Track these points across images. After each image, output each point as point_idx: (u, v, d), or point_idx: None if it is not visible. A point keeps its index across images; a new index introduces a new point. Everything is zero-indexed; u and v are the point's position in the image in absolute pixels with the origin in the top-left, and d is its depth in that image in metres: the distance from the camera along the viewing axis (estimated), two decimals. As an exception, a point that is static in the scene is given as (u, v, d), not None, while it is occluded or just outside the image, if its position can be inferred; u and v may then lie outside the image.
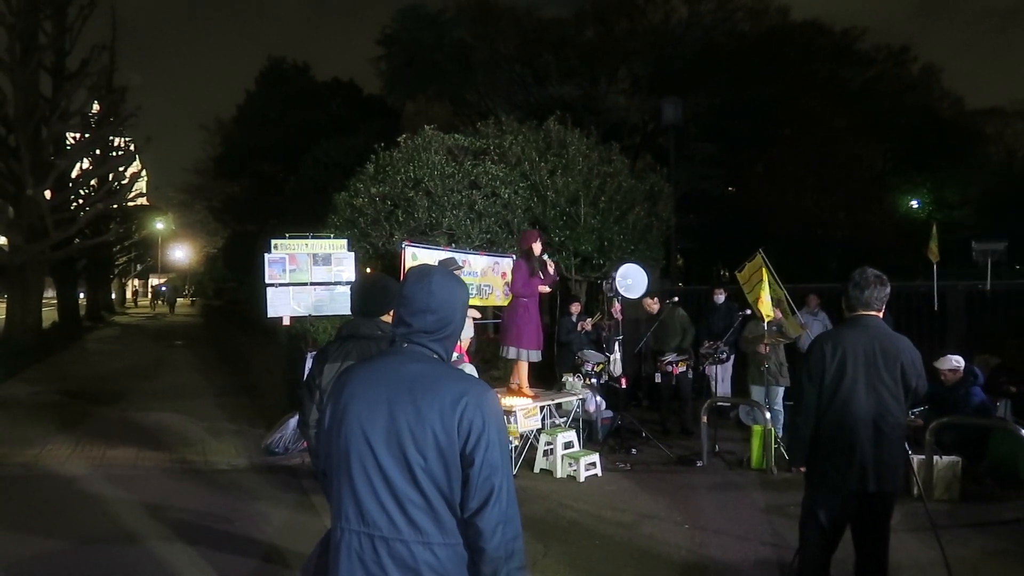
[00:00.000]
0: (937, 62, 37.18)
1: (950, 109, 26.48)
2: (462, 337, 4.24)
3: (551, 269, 7.19)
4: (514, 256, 8.20)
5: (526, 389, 7.20)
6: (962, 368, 7.04)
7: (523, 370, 7.24)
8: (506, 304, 7.79)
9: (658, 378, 9.06)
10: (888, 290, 3.64)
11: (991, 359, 8.62)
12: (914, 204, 25.01)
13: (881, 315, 3.68)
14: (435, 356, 2.03)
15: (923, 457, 6.09)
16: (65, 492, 6.29)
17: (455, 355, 4.15)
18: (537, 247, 7.08)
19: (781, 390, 8.17)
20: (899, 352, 3.55)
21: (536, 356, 7.15)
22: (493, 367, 9.61)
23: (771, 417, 7.51)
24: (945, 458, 6.22)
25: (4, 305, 18.61)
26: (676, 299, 9.51)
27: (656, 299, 9.50)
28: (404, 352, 2.02)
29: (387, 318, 3.34)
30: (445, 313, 2.03)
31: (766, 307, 7.84)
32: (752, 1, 25.39)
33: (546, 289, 7.22)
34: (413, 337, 2.02)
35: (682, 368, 8.91)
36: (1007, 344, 8.91)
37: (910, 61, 26.22)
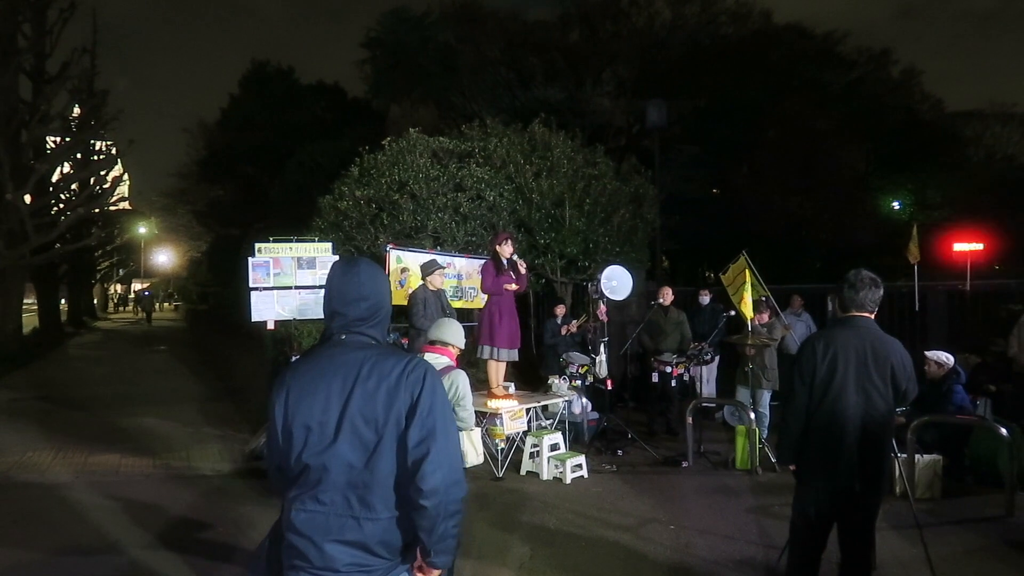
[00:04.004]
0: (917, 65, 37.62)
1: (930, 111, 26.75)
2: (455, 344, 4.22)
3: (522, 269, 7.16)
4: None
5: (496, 389, 7.12)
6: (948, 366, 7.11)
7: (496, 370, 7.15)
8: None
9: (655, 377, 9.02)
10: (881, 292, 3.68)
11: (971, 358, 8.73)
12: (895, 205, 25.24)
13: (873, 316, 3.71)
14: (373, 342, 2.12)
15: (905, 455, 6.15)
16: (46, 499, 6.21)
17: (446, 361, 4.14)
18: (505, 249, 7.07)
19: (767, 392, 8.22)
20: (890, 354, 3.58)
21: (508, 355, 7.07)
22: (480, 370, 9.58)
23: (756, 418, 7.55)
24: (926, 456, 6.29)
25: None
26: (661, 300, 9.53)
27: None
28: (343, 343, 2.11)
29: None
30: (377, 299, 2.15)
31: (748, 308, 7.88)
32: (735, 5, 25.62)
33: (513, 287, 7.07)
34: (351, 327, 2.11)
35: (680, 371, 8.90)
36: (987, 343, 9.03)
37: (891, 64, 26.49)
